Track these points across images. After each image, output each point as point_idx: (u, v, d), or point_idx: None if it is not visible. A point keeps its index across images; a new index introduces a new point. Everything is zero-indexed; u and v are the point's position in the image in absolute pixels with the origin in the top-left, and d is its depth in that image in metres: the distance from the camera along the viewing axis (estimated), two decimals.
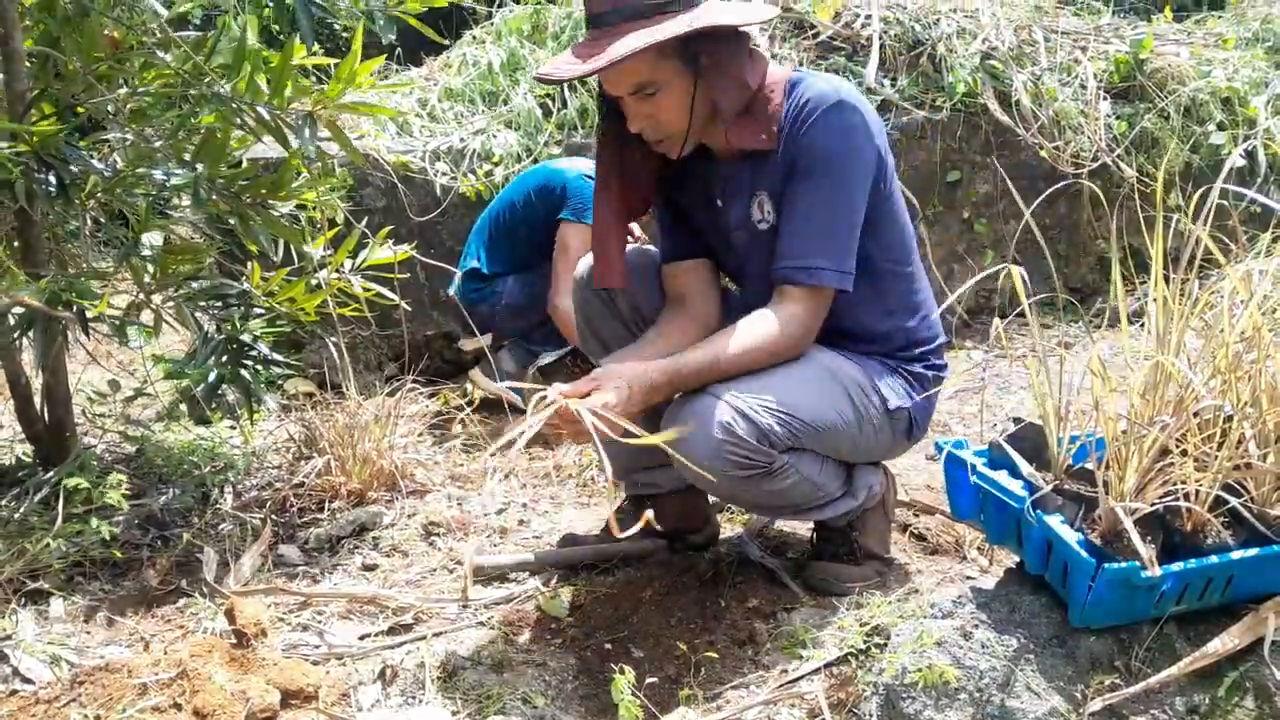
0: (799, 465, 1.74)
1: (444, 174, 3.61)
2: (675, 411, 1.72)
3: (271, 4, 4.27)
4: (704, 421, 1.65)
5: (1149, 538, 1.35)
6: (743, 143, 1.75)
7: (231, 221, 2.12)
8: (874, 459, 1.94)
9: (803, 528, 2.19)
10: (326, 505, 2.43)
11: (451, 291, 3.30)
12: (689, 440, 1.64)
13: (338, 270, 2.38)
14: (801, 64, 3.99)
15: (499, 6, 4.49)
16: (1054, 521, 1.43)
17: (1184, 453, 1.38)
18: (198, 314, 2.22)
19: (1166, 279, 1.44)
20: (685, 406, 1.70)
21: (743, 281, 1.99)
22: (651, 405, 1.69)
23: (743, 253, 1.88)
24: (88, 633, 1.90)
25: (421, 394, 3.24)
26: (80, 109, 2.12)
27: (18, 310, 1.99)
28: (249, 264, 2.31)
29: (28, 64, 2.07)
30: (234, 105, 1.97)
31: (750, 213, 1.82)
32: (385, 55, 2.17)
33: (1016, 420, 1.62)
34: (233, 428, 2.82)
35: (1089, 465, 1.45)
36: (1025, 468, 1.52)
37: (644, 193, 1.92)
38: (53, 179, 1.98)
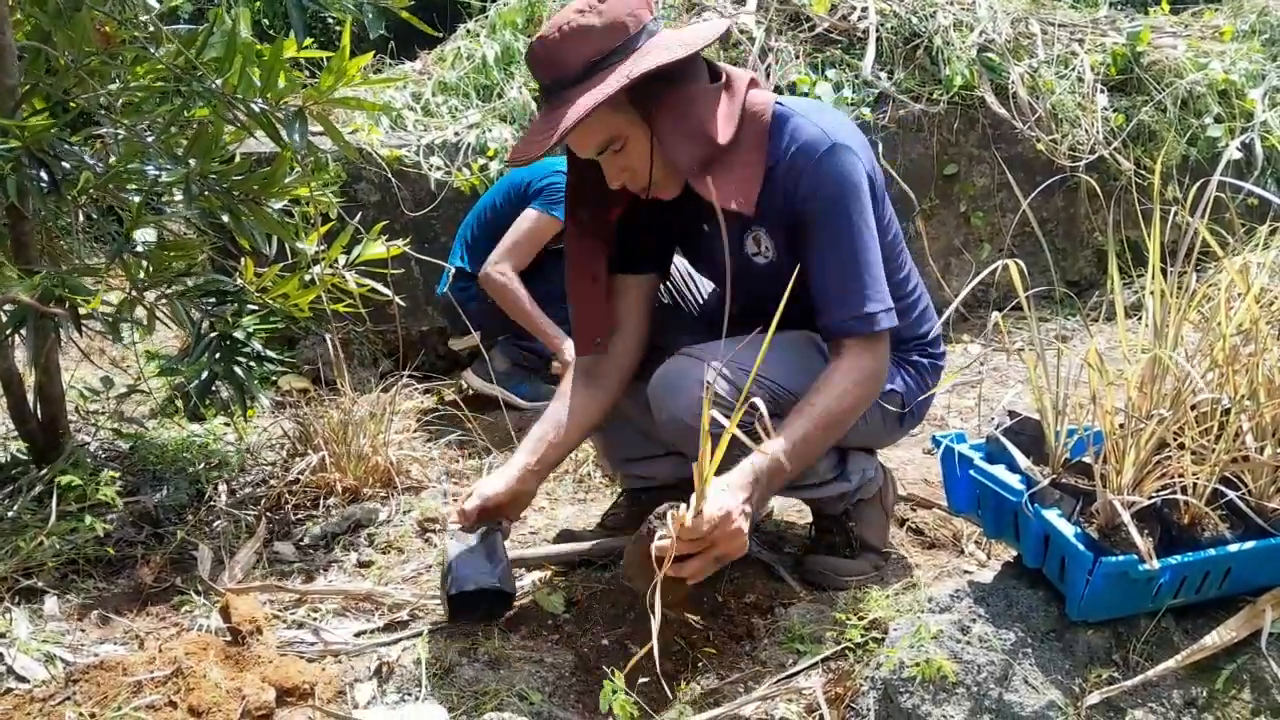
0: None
1: (438, 168, 3.60)
2: (659, 378, 1.74)
3: None
4: (684, 380, 1.69)
5: (1146, 531, 1.35)
6: (718, 201, 1.68)
7: (224, 217, 2.11)
8: (866, 443, 1.93)
9: (800, 521, 2.19)
10: (321, 502, 2.42)
11: (442, 289, 3.29)
12: (671, 398, 1.68)
13: (331, 266, 2.37)
14: (798, 56, 3.98)
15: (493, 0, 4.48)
16: (1051, 515, 1.43)
17: (1181, 446, 1.38)
18: (191, 310, 2.21)
19: (1164, 272, 1.43)
20: (668, 371, 1.73)
21: (724, 292, 1.94)
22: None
23: (734, 281, 1.85)
24: (82, 630, 1.90)
25: (417, 390, 3.24)
26: (72, 104, 2.11)
27: (9, 307, 1.98)
28: (242, 260, 2.30)
29: (19, 59, 2.05)
30: (226, 100, 1.95)
31: (745, 246, 1.80)
32: (377, 49, 2.15)
33: (1012, 414, 1.62)
34: (227, 424, 2.81)
35: (1086, 459, 1.44)
36: (1023, 461, 1.51)
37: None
38: (44, 175, 1.97)
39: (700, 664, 1.69)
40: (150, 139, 2.10)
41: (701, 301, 2.06)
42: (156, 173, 2.08)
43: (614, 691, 1.47)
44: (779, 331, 1.75)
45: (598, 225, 1.85)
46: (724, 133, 1.65)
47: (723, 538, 1.50)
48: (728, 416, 1.67)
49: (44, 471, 2.25)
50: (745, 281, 1.79)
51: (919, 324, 1.91)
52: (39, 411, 2.35)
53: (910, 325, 1.89)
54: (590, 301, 1.87)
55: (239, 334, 2.27)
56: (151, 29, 2.00)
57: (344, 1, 2.05)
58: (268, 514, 2.35)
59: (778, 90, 3.90)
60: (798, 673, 1.61)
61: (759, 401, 1.60)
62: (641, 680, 1.60)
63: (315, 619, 1.90)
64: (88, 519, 2.10)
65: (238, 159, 2.28)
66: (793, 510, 2.24)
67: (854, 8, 4.17)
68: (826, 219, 1.66)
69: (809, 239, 1.69)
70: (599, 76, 1.59)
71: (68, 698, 1.57)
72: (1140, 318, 1.49)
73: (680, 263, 2.06)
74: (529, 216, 3.06)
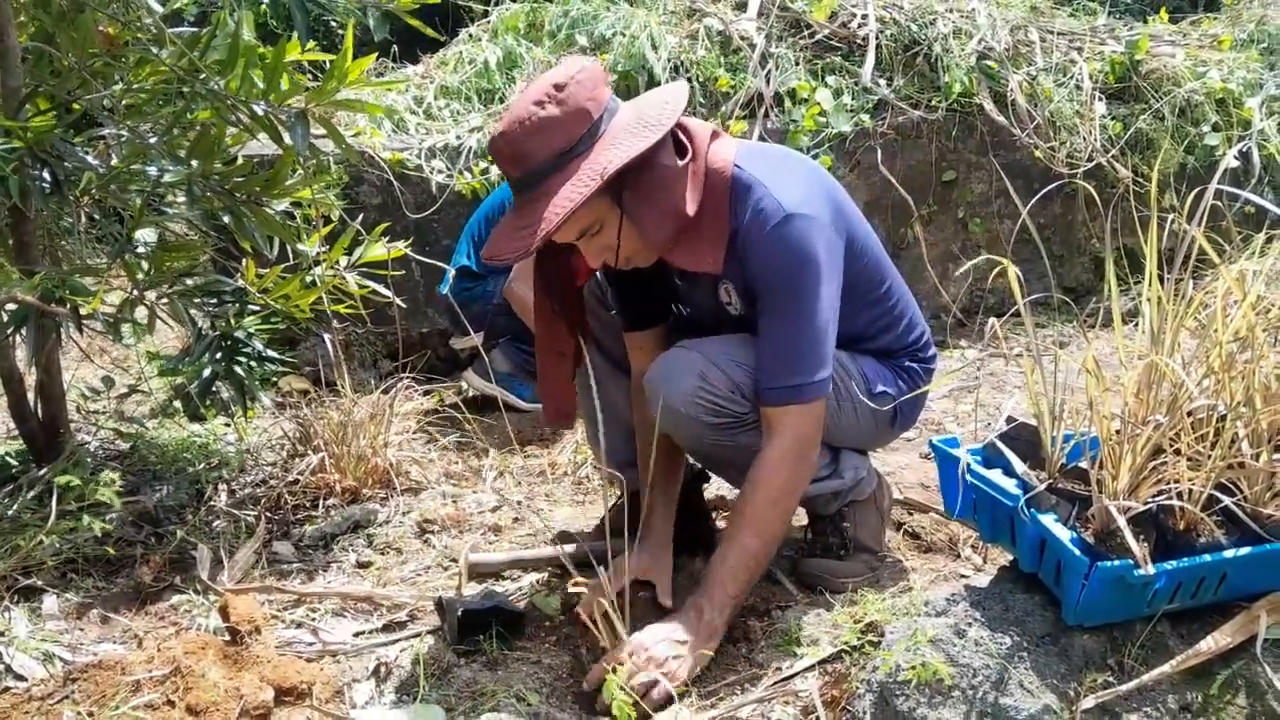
0: None
1: (440, 171, 3.60)
2: (656, 369, 1.78)
3: (267, 0, 4.26)
4: (681, 370, 1.73)
5: (1142, 536, 1.36)
6: (688, 266, 1.73)
7: (226, 219, 2.12)
8: (857, 444, 1.96)
9: (795, 524, 2.19)
10: (321, 502, 2.43)
11: (444, 290, 3.29)
12: (667, 387, 1.73)
13: (333, 267, 2.38)
14: (798, 63, 3.99)
15: (496, 4, 4.49)
16: (1048, 520, 1.43)
17: (1177, 452, 1.39)
18: (192, 311, 2.21)
19: (1161, 279, 1.44)
20: (664, 362, 1.77)
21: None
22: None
23: (708, 324, 1.88)
24: (81, 630, 1.90)
25: (416, 391, 3.24)
26: (75, 105, 2.12)
27: (11, 306, 1.99)
28: (244, 261, 2.30)
29: (23, 60, 2.06)
30: (228, 102, 1.96)
31: (719, 295, 1.83)
32: (380, 53, 2.16)
33: (1009, 419, 1.63)
34: (227, 425, 2.81)
35: (1083, 464, 1.45)
36: (1019, 466, 1.52)
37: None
38: (47, 175, 1.98)
39: (697, 666, 1.69)
40: (153, 140, 2.11)
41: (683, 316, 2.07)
42: (159, 174, 2.09)
43: (615, 688, 1.47)
44: None
45: (564, 302, 1.90)
46: (692, 205, 1.67)
47: (641, 664, 1.58)
48: (721, 407, 1.73)
49: (44, 471, 2.26)
50: (721, 328, 1.84)
51: (907, 333, 1.94)
52: (39, 411, 2.36)
53: (898, 336, 1.92)
54: (555, 376, 1.93)
55: (240, 334, 2.27)
56: (155, 31, 2.00)
57: (347, 4, 2.06)
58: (267, 514, 2.36)
59: (777, 98, 3.91)
60: (794, 675, 1.61)
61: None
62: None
63: (314, 619, 1.91)
64: (87, 518, 2.10)
65: (240, 161, 2.28)
66: None
67: (854, 15, 4.18)
68: (774, 291, 1.69)
69: (758, 306, 1.73)
70: (571, 166, 1.60)
71: (66, 696, 1.57)
72: (1137, 324, 1.50)
73: None
74: None
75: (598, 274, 1.99)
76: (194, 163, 2.03)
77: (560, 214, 1.56)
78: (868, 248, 1.85)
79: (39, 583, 2.01)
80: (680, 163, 1.67)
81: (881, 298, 1.89)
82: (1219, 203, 1.44)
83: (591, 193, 1.57)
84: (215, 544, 2.21)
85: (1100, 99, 4.10)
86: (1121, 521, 1.33)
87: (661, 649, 1.61)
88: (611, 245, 1.70)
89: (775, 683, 1.61)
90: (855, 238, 1.81)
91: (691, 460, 2.04)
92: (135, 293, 2.14)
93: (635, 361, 1.98)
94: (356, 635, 1.85)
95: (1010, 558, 1.61)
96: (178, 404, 2.97)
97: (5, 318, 2.02)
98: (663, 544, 1.89)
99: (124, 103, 2.15)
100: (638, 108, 1.68)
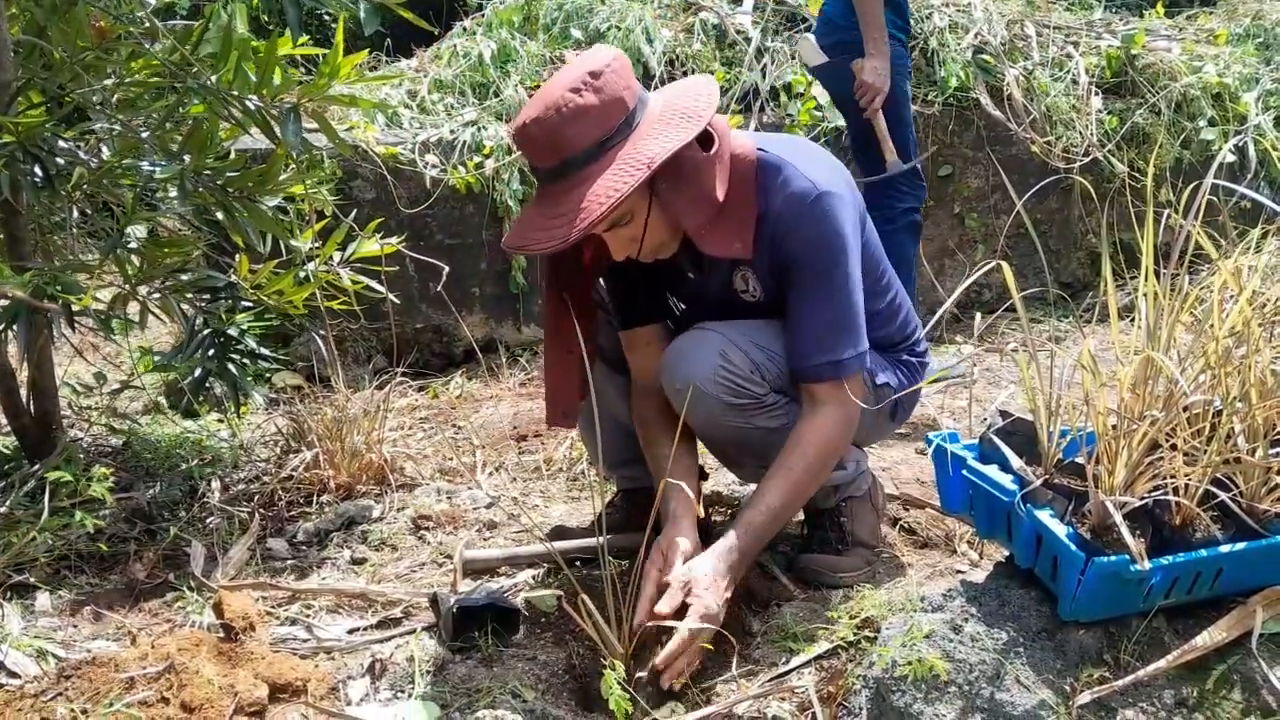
0: (789, 409, 1.79)
1: (434, 166, 3.59)
2: (673, 350, 1.78)
3: None
4: (703, 349, 1.74)
5: (1138, 531, 1.36)
6: (717, 252, 1.74)
7: (218, 214, 2.11)
8: (857, 437, 1.95)
9: (793, 520, 2.19)
10: (315, 499, 2.42)
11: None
12: (688, 365, 1.73)
13: (326, 263, 2.37)
14: (793, 57, 3.99)
15: None
16: (1044, 515, 1.43)
17: (1173, 447, 1.38)
18: (184, 306, 2.20)
19: (1157, 274, 1.44)
20: (685, 342, 1.77)
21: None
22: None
23: (717, 316, 1.86)
24: (74, 626, 1.89)
25: (410, 387, 3.24)
26: (67, 99, 2.11)
27: (3, 302, 1.98)
28: (236, 256, 2.29)
29: (14, 53, 2.05)
30: (221, 96, 1.95)
31: (733, 283, 1.83)
32: (373, 47, 2.15)
33: (1005, 414, 1.63)
34: (220, 421, 2.81)
35: (1079, 459, 1.45)
36: (1015, 462, 1.52)
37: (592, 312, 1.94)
38: (38, 170, 1.97)
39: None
40: (145, 135, 2.09)
41: (677, 314, 2.06)
42: (151, 169, 2.08)
43: (613, 683, 1.47)
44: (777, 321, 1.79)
45: (577, 301, 1.88)
46: (721, 191, 1.68)
47: (703, 592, 1.61)
48: (741, 387, 1.74)
49: (36, 467, 2.25)
50: (732, 315, 1.84)
51: (904, 327, 1.95)
52: (31, 407, 2.35)
53: (897, 329, 1.94)
54: (563, 375, 1.90)
55: (233, 330, 2.27)
56: (147, 25, 1.99)
57: None
58: (261, 510, 2.35)
59: (773, 92, 3.91)
60: (790, 671, 1.61)
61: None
62: (638, 675, 1.60)
63: (308, 616, 1.90)
64: (79, 515, 2.09)
65: (232, 155, 2.27)
66: None
67: None
68: (813, 267, 1.70)
69: (793, 283, 1.72)
70: (608, 156, 1.58)
71: (59, 694, 1.56)
72: (1133, 319, 1.50)
73: None
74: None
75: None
76: (186, 158, 2.02)
77: (607, 203, 1.54)
78: (871, 234, 1.87)
79: (32, 579, 2.00)
80: (708, 151, 1.67)
81: (883, 288, 1.90)
82: (1215, 197, 1.44)
83: (639, 182, 1.55)
84: (209, 540, 2.20)
85: (1096, 93, 4.11)
86: (1118, 517, 1.33)
87: (711, 591, 1.64)
88: (637, 236, 1.70)
89: (772, 679, 1.60)
90: (864, 221, 1.83)
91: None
92: (127, 288, 2.13)
93: (636, 359, 1.96)
94: (351, 632, 1.85)
95: (1006, 553, 1.61)
96: (162, 400, 2.96)
97: None
98: (690, 526, 1.85)
99: (116, 97, 2.14)
100: (667, 99, 1.68)
